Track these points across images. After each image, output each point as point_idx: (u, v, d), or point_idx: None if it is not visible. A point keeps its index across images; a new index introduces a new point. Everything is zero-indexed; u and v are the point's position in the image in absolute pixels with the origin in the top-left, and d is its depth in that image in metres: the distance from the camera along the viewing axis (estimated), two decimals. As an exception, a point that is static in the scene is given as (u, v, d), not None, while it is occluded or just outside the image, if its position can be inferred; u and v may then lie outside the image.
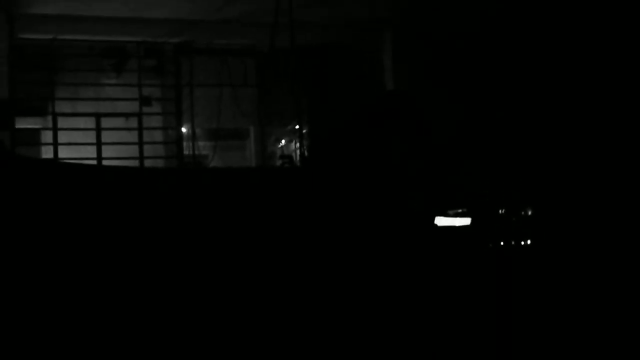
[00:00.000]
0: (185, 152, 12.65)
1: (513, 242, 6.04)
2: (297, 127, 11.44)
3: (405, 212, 4.97)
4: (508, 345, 4.39)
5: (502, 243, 6.05)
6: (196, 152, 12.86)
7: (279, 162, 12.55)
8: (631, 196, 6.59)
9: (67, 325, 3.94)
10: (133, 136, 11.94)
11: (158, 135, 12.59)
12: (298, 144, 11.95)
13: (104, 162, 11.31)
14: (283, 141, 13.78)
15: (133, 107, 12.03)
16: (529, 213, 6.35)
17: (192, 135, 12.86)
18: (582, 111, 8.01)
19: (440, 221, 5.90)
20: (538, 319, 4.70)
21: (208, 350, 4.07)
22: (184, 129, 12.69)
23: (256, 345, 4.07)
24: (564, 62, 8.54)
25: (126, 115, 12.08)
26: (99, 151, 11.59)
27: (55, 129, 11.44)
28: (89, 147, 11.44)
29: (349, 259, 4.39)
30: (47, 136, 11.82)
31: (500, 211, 6.30)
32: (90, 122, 11.80)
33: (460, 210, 6.09)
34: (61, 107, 11.71)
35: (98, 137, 11.75)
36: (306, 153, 11.05)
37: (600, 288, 5.19)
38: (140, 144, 11.94)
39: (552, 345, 4.41)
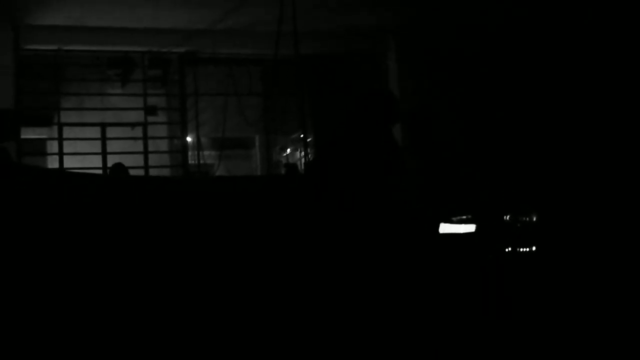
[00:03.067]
0: (191, 161, 12.69)
1: (518, 249, 6.02)
2: (301, 135, 11.45)
3: (409, 217, 4.97)
4: (510, 352, 4.37)
5: (506, 250, 6.03)
6: (201, 161, 12.91)
7: (283, 171, 12.56)
8: (637, 201, 6.57)
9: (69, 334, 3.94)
10: (138, 145, 11.99)
11: (163, 145, 12.64)
12: (303, 153, 11.96)
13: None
14: (288, 150, 13.79)
15: (138, 116, 12.09)
16: (534, 219, 6.33)
17: (198, 145, 12.90)
18: (587, 116, 8.00)
19: (444, 228, 5.88)
20: (542, 325, 4.68)
21: (208, 353, 4.07)
22: (189, 138, 12.73)
23: (257, 351, 4.06)
24: (567, 68, 8.54)
25: (131, 124, 12.14)
26: (104, 161, 11.65)
27: (60, 139, 11.50)
28: (94, 157, 11.49)
29: (352, 265, 4.38)
30: (52, 146, 11.88)
31: (505, 217, 6.28)
32: (95, 132, 11.86)
33: (464, 217, 6.07)
34: (67, 117, 11.78)
35: (103, 146, 11.81)
36: (307, 161, 11.09)
37: (605, 295, 5.17)
38: (146, 153, 11.99)
39: (554, 351, 4.39)
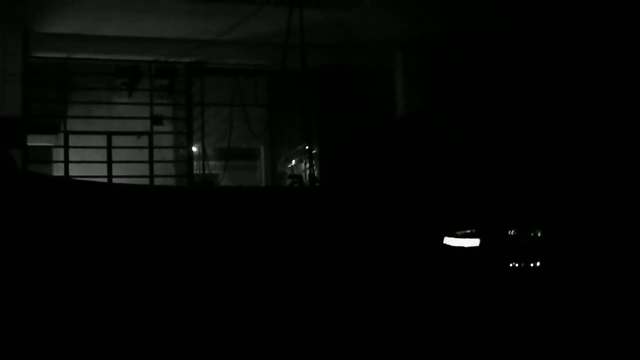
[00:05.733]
0: (196, 171, 12.71)
1: (522, 264, 5.99)
2: (306, 147, 11.46)
3: (415, 232, 4.96)
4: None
5: (511, 264, 6.00)
6: (206, 171, 12.93)
7: (288, 182, 12.57)
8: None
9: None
10: (144, 155, 12.01)
11: (169, 154, 12.66)
12: (307, 164, 11.97)
13: (115, 180, 11.37)
14: (293, 161, 13.80)
15: (144, 125, 12.13)
16: (539, 234, 6.30)
17: (203, 155, 12.93)
18: (593, 131, 7.99)
19: (449, 242, 5.87)
20: (545, 340, 4.66)
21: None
22: (194, 148, 12.76)
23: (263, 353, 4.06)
24: (575, 81, 8.54)
25: (137, 133, 12.17)
26: (109, 169, 11.67)
27: (66, 147, 11.53)
28: (99, 165, 11.52)
29: (358, 277, 4.38)
30: (58, 154, 11.92)
31: (509, 232, 6.26)
32: (101, 140, 11.89)
33: (468, 231, 6.05)
34: (73, 125, 11.82)
35: (109, 155, 11.84)
36: (316, 173, 11.07)
37: (610, 310, 5.14)
38: (151, 162, 12.02)
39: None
